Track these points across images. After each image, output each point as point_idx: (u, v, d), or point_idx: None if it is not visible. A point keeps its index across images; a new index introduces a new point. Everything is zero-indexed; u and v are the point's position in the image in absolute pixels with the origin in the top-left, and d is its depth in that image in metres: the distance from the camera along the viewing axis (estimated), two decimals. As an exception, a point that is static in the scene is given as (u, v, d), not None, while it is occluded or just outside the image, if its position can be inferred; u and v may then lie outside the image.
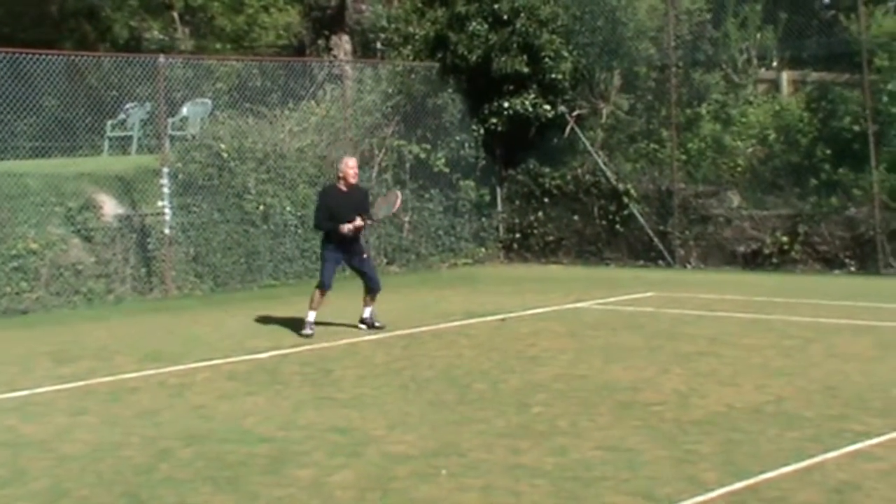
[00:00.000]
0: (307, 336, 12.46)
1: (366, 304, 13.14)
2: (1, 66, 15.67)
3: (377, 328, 12.97)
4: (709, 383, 9.45)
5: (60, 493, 6.70)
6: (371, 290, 13.07)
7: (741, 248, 18.85)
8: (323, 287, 12.73)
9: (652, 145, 20.02)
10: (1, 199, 15.67)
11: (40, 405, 9.34)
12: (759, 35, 20.44)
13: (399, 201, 13.44)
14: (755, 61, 20.61)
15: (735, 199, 19.19)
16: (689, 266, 19.20)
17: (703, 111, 19.97)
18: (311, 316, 12.68)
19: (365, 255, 13.22)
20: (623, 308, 14.41)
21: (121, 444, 7.86)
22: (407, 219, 19.98)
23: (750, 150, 19.17)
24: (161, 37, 30.09)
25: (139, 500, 6.51)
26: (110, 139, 21.75)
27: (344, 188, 12.80)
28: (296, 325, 13.21)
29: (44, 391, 9.93)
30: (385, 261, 19.63)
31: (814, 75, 20.20)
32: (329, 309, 13.17)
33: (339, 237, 12.61)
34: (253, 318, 14.13)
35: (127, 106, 21.31)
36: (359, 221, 12.63)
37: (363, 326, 13.04)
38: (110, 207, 16.91)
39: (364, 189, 13.67)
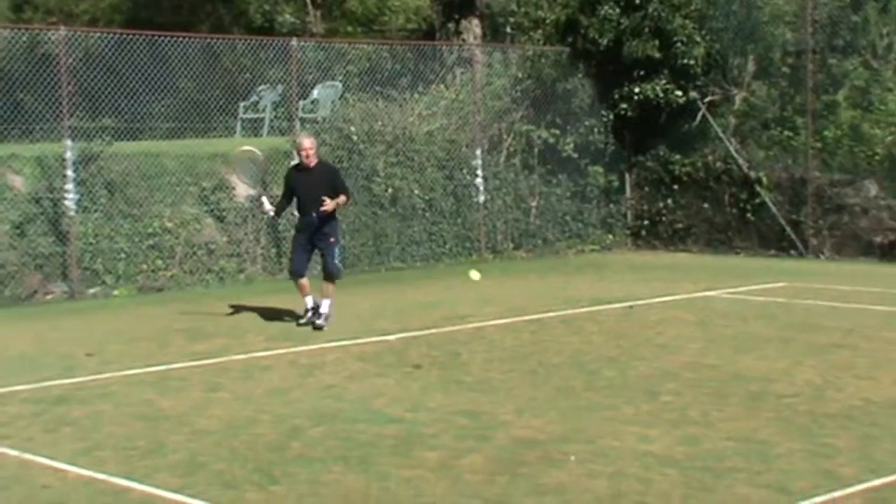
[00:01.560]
0: (298, 325, 12.21)
1: (322, 294, 12.18)
2: (141, 48, 16.05)
3: (316, 326, 12.07)
4: (845, 376, 9.23)
5: (197, 466, 6.85)
6: (325, 275, 12.30)
7: (878, 239, 18.36)
8: (291, 275, 12.52)
9: (786, 133, 19.59)
10: (139, 179, 16.06)
11: (176, 380, 9.57)
12: (900, 20, 19.88)
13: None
14: (896, 47, 20.05)
15: (873, 189, 18.68)
16: (822, 256, 18.77)
17: (841, 98, 19.48)
18: (309, 301, 12.26)
19: (332, 240, 12.29)
20: (754, 298, 14.16)
21: (253, 421, 8.00)
22: (534, 204, 19.93)
23: (889, 138, 18.64)
24: (293, 20, 30.49)
25: (272, 477, 6.62)
26: (243, 121, 22.12)
27: (303, 168, 12.31)
28: (423, 307, 13.31)
29: (179, 367, 10.16)
30: (512, 246, 19.64)
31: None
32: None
33: (302, 220, 12.31)
34: (380, 301, 14.26)
35: (259, 88, 21.65)
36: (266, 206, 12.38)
37: (307, 315, 12.30)
38: (242, 188, 17.19)
39: (333, 169, 12.97)
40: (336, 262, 12.37)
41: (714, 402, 8.36)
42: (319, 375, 9.69)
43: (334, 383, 9.33)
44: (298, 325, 12.29)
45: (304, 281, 12.38)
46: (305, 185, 12.21)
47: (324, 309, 12.19)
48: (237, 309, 13.56)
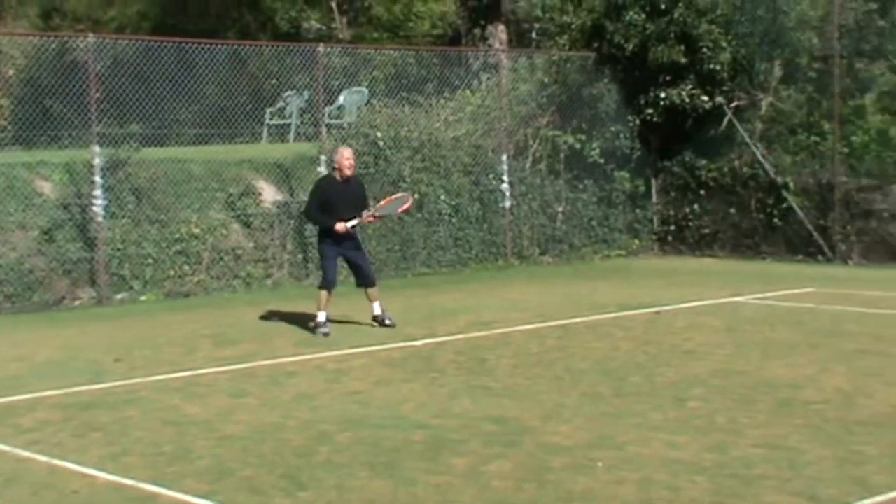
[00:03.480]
0: (325, 336, 11.92)
1: (371, 300, 12.53)
2: (168, 55, 16.14)
3: (387, 326, 12.39)
4: (874, 383, 9.15)
5: (224, 473, 6.86)
6: (363, 284, 12.54)
7: (907, 244, 18.29)
8: (329, 286, 12.19)
9: (813, 137, 19.51)
10: (166, 185, 16.14)
11: (203, 386, 9.59)
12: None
13: (409, 205, 13.11)
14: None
15: (901, 194, 18.59)
16: (850, 262, 18.67)
17: (868, 103, 19.38)
18: (322, 316, 12.13)
19: (360, 249, 12.68)
20: (781, 303, 14.09)
21: (280, 427, 8.01)
22: (560, 209, 19.92)
23: (918, 142, 18.57)
24: (319, 26, 30.60)
25: (299, 483, 6.62)
26: (269, 127, 22.20)
27: (340, 179, 12.22)
28: (450, 313, 13.28)
29: (206, 372, 10.19)
30: (538, 251, 19.63)
31: None
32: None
33: (336, 231, 12.11)
34: (407, 306, 14.26)
35: (285, 94, 21.72)
36: (354, 221, 12.16)
37: (376, 325, 12.48)
38: (269, 194, 17.26)
39: (361, 181, 13.00)
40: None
41: (742, 409, 8.31)
42: (346, 381, 9.69)
43: (361, 389, 9.33)
44: (324, 335, 11.96)
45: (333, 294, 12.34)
46: (347, 198, 12.16)
47: (378, 311, 12.52)
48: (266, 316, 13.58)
